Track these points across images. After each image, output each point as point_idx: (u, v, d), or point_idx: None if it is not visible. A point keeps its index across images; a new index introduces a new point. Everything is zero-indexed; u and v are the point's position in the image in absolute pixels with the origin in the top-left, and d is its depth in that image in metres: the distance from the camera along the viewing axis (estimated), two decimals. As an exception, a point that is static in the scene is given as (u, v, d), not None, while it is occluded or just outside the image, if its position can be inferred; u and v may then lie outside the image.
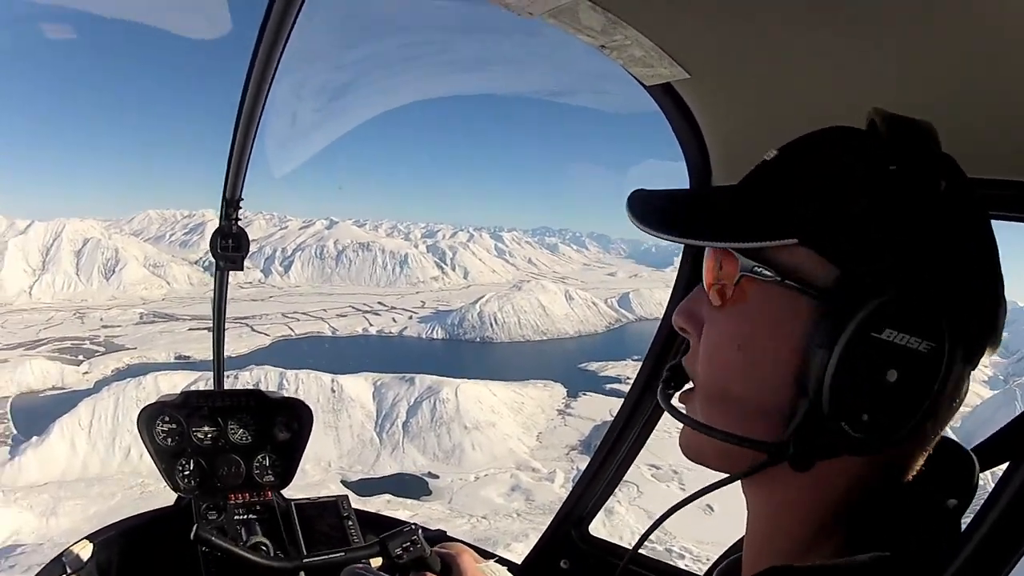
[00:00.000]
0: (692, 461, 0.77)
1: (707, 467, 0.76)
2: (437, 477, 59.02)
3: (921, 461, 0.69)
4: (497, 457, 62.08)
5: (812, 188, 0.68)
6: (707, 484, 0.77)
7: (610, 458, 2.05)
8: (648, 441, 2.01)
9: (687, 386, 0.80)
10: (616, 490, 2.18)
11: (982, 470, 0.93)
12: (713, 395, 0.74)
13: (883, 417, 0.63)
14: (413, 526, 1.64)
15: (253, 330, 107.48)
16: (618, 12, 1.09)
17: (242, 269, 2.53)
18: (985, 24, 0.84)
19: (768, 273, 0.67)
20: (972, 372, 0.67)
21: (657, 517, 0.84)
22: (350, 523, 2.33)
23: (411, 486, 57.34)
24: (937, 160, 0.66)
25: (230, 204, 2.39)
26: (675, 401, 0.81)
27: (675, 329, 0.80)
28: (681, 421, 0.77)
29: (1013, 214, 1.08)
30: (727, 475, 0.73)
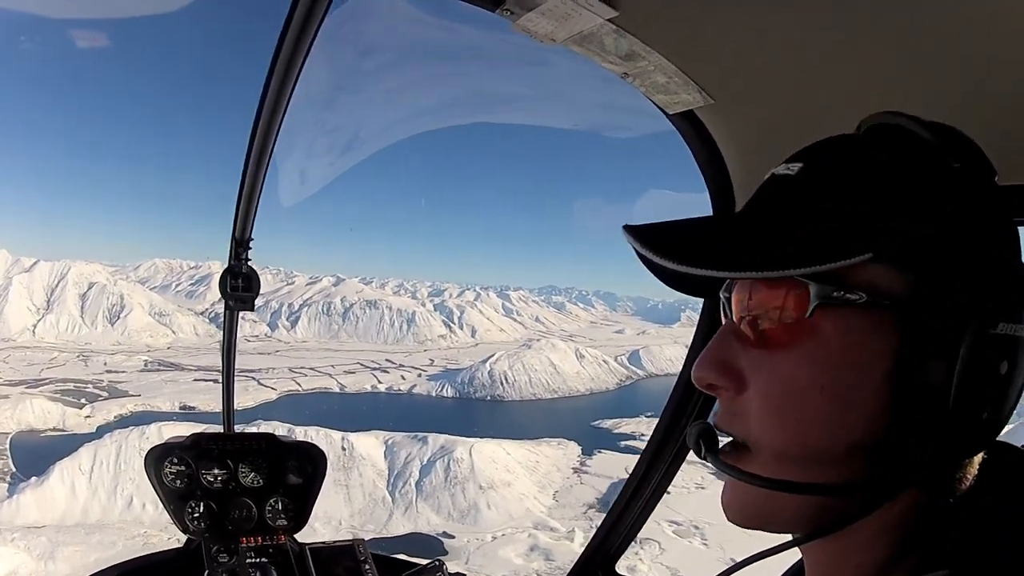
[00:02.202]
0: (748, 527, 0.67)
1: (769, 531, 0.67)
2: (453, 537, 57.26)
3: (978, 464, 0.64)
4: (514, 516, 60.48)
5: (872, 197, 0.62)
6: (784, 541, 0.67)
7: (635, 499, 2.07)
8: (665, 497, 2.06)
9: (727, 440, 0.69)
10: (639, 548, 1.94)
11: None
12: (788, 452, 0.63)
13: (997, 410, 0.60)
14: (437, 562, 1.71)
15: (259, 384, 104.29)
16: (643, 37, 1.06)
17: (253, 309, 2.48)
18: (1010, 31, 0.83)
19: (852, 296, 0.59)
20: None
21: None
22: (367, 567, 2.27)
23: (426, 546, 54.98)
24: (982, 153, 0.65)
25: (240, 244, 2.36)
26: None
27: (698, 387, 0.69)
28: (758, 485, 0.63)
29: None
30: (812, 532, 0.65)
